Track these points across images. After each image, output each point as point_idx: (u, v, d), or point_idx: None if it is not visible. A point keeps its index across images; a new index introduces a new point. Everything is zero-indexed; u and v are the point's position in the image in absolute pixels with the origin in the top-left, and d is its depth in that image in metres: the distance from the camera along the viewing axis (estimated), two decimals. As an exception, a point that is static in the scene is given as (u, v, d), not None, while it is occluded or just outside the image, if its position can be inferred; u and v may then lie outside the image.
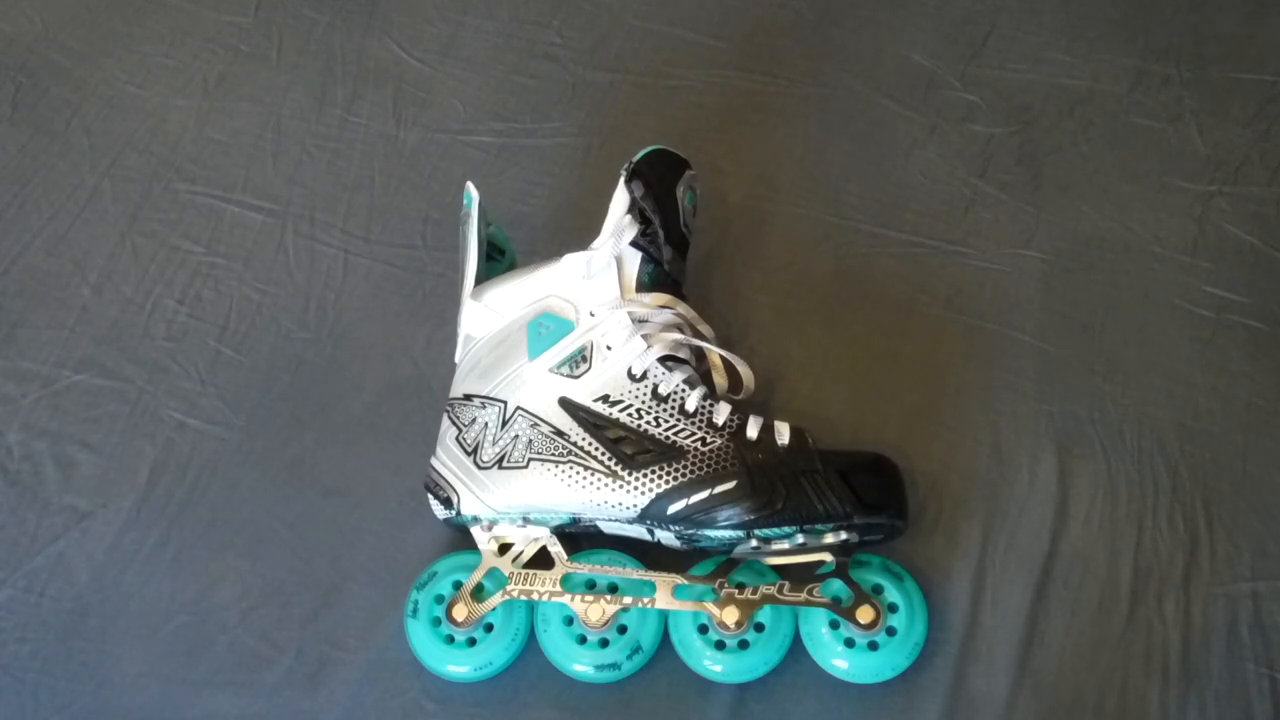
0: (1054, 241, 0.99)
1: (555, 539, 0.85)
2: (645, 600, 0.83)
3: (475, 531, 0.86)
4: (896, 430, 0.91)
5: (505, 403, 0.85)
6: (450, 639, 0.84)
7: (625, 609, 0.83)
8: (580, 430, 0.83)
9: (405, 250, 1.03)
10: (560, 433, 0.84)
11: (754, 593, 0.81)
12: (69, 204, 1.08)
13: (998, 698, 0.81)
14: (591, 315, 0.85)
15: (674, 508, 0.81)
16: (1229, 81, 1.06)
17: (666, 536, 0.83)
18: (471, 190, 0.89)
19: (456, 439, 0.86)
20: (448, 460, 0.86)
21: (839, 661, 0.81)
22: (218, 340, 1.00)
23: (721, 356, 0.88)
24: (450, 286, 0.94)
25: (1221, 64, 1.08)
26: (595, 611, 0.82)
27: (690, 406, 0.83)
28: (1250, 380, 0.92)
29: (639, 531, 0.84)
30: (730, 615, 0.81)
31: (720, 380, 0.88)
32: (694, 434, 0.82)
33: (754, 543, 0.81)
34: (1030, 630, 0.83)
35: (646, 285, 0.86)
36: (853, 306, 0.98)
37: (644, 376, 0.84)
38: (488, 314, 0.87)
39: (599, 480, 0.82)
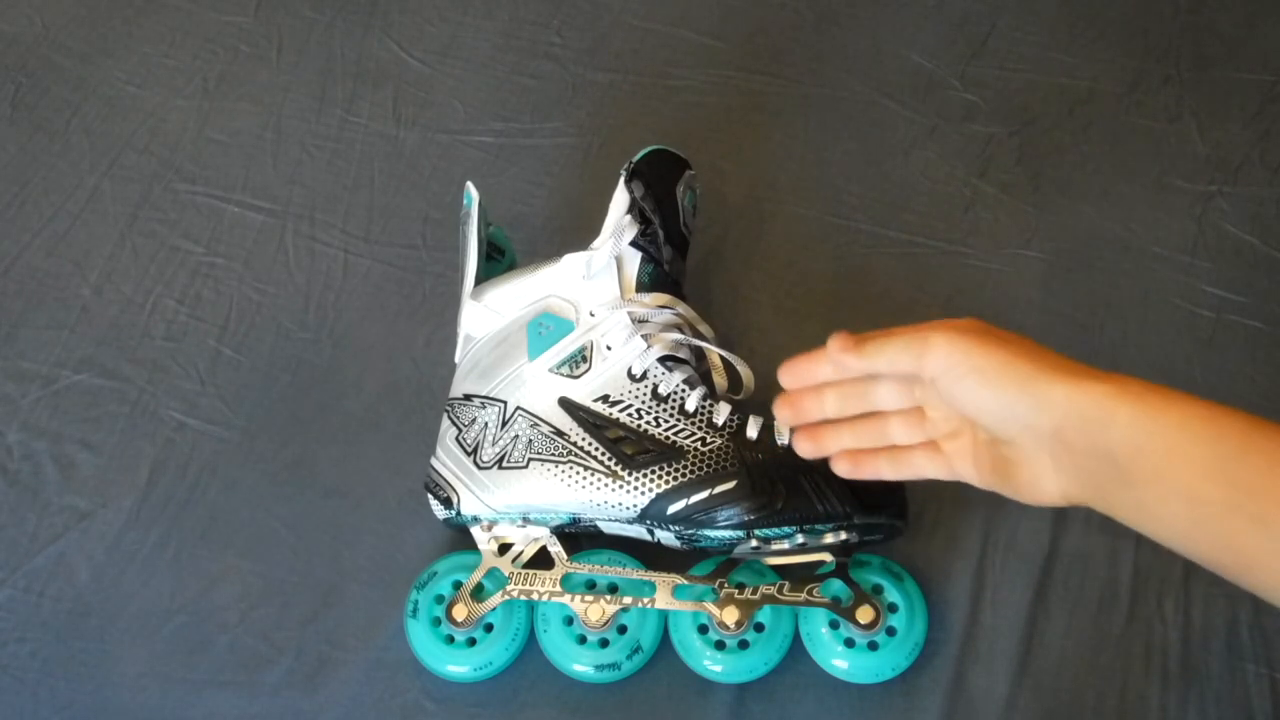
0: (1054, 241, 0.99)
1: (555, 539, 0.85)
2: (645, 600, 0.83)
3: (475, 531, 0.86)
4: (896, 430, 0.91)
5: (505, 403, 0.85)
6: (450, 639, 0.84)
7: (625, 609, 0.83)
8: (580, 430, 0.83)
9: (405, 250, 1.03)
10: (560, 433, 0.84)
11: (754, 593, 0.81)
12: (69, 204, 1.08)
13: (998, 698, 0.81)
14: (591, 315, 0.85)
15: (674, 508, 0.81)
16: (1229, 81, 1.06)
17: (666, 536, 0.83)
18: (471, 190, 0.89)
19: (456, 439, 0.86)
20: (448, 460, 0.86)
21: (839, 661, 0.81)
22: (218, 340, 1.00)
23: (721, 356, 0.88)
24: (450, 286, 0.94)
25: (1221, 64, 1.08)
26: (595, 611, 0.82)
27: (690, 406, 0.83)
28: (1250, 380, 0.92)
29: (639, 531, 0.84)
30: (730, 615, 0.81)
31: (720, 380, 0.88)
32: (694, 434, 0.82)
33: (754, 543, 0.81)
34: (1030, 630, 0.83)
35: (646, 285, 0.86)
36: (853, 306, 0.98)
37: (644, 376, 0.84)
38: (488, 314, 0.87)
39: (599, 480, 0.82)
